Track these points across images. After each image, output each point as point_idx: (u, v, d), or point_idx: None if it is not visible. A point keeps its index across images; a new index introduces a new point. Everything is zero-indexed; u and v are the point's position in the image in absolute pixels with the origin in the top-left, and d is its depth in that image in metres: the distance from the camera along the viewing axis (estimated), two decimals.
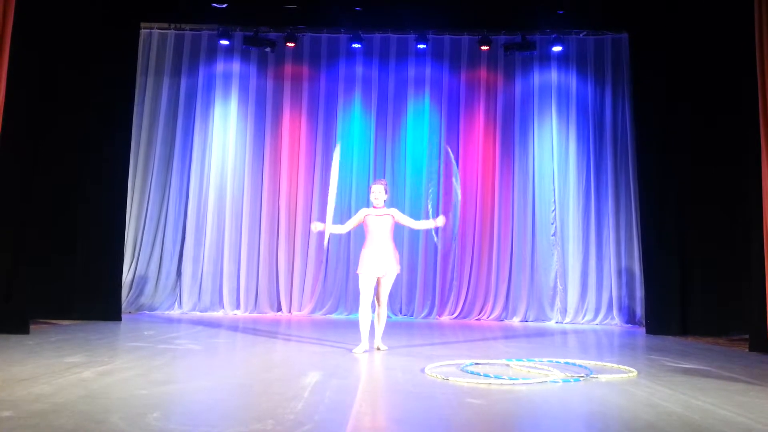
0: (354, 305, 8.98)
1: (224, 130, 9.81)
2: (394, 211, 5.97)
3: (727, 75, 7.54)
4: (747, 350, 6.48)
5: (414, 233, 9.48)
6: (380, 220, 5.83)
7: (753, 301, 6.33)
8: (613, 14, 8.83)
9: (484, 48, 9.56)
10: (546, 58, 9.80)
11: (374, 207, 5.88)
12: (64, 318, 7.60)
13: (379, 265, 5.74)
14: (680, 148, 8.13)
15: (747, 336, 6.72)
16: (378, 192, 5.87)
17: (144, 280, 9.38)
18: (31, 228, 6.80)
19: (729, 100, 7.56)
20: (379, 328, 5.93)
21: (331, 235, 5.94)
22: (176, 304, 9.39)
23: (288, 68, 9.92)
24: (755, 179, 6.13)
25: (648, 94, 8.42)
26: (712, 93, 7.95)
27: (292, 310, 9.50)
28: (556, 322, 9.29)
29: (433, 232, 7.16)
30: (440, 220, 5.99)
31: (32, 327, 6.51)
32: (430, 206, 8.73)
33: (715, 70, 7.87)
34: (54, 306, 7.58)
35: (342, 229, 6.07)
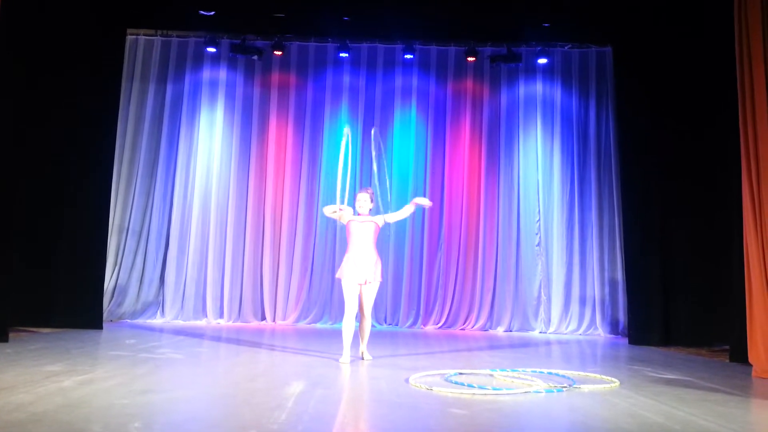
0: (339, 314, 8.94)
1: (210, 138, 9.75)
2: (379, 217, 5.95)
3: (709, 88, 7.64)
4: (728, 361, 6.55)
5: (399, 241, 9.49)
6: (363, 226, 5.82)
7: (734, 312, 6.40)
8: (597, 28, 8.92)
9: (470, 59, 9.61)
10: (531, 70, 9.88)
11: (359, 215, 5.89)
12: (43, 326, 7.49)
13: (359, 273, 5.70)
14: (663, 160, 8.22)
15: (728, 347, 6.79)
16: (363, 200, 5.87)
17: (126, 287, 9.25)
18: (12, 234, 6.70)
19: (711, 112, 7.66)
20: (364, 339, 5.91)
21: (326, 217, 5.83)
22: (159, 312, 9.28)
23: (275, 76, 9.89)
24: (736, 191, 6.22)
25: (632, 107, 8.52)
26: (694, 106, 8.07)
27: (276, 319, 9.43)
28: (540, 332, 9.32)
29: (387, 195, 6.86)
30: (419, 201, 6.00)
31: (11, 335, 6.41)
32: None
33: (697, 83, 7.98)
34: (33, 313, 7.46)
35: (329, 209, 5.93)
